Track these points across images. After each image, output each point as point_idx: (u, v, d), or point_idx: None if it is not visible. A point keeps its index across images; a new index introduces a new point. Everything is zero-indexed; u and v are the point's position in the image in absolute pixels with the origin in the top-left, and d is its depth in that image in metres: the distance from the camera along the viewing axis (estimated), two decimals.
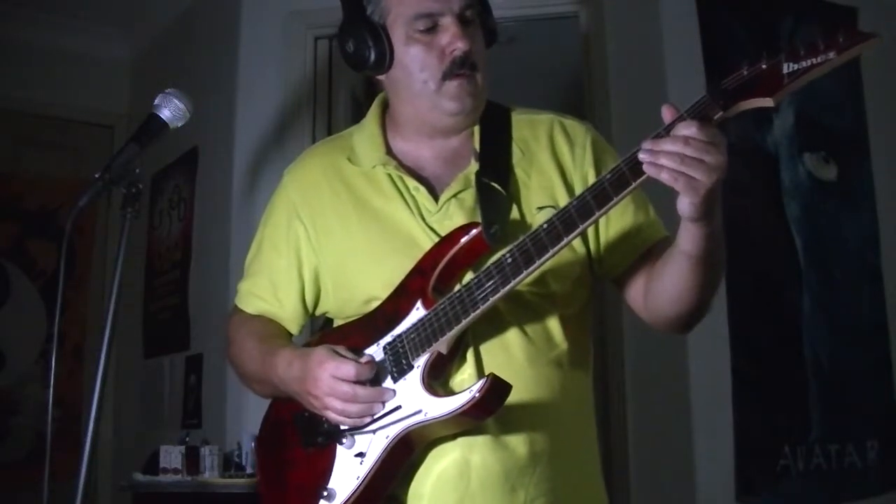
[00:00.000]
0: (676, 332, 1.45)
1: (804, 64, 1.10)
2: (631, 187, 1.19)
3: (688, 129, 1.14)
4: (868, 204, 3.32)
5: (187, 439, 3.30)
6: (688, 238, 1.25)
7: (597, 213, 1.21)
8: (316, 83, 3.54)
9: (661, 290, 1.38)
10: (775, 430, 2.95)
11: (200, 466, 3.10)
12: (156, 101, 1.42)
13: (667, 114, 1.18)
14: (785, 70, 1.12)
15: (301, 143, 3.47)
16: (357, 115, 3.77)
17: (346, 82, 3.69)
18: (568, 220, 1.23)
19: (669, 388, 2.85)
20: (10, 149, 4.43)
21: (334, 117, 3.59)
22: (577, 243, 1.42)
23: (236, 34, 3.66)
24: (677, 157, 1.13)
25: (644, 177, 1.18)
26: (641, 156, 1.16)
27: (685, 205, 1.18)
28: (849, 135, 3.35)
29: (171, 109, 1.41)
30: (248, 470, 3.08)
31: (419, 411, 1.30)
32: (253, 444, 3.07)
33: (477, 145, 1.48)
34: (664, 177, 1.15)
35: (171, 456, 3.15)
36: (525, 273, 1.26)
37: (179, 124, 1.42)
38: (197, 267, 3.82)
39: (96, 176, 1.33)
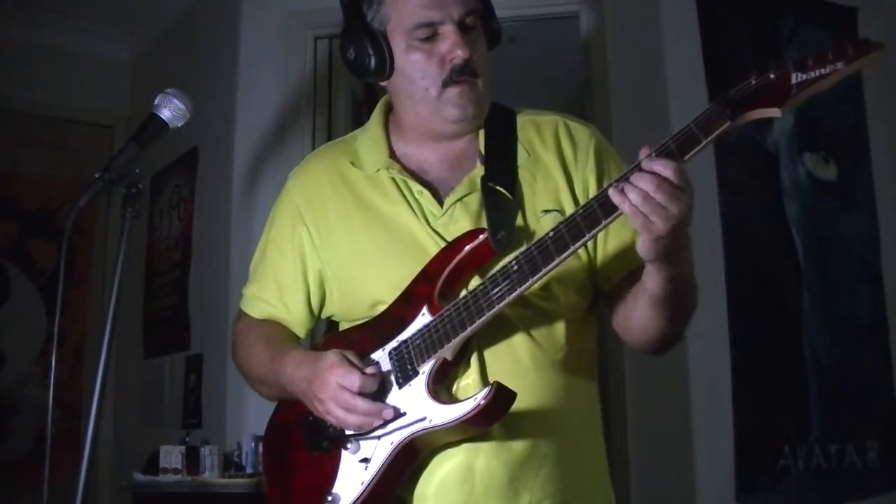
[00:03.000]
0: (649, 354, 1.47)
1: (812, 74, 1.10)
2: None
3: (665, 169, 1.15)
4: (868, 204, 3.32)
5: (187, 439, 3.31)
6: (649, 276, 1.27)
7: (603, 223, 1.21)
8: (316, 83, 3.55)
9: (632, 315, 1.40)
10: (775, 430, 2.95)
11: (200, 466, 3.10)
12: (156, 101, 1.41)
13: (643, 153, 1.19)
14: (793, 80, 1.11)
15: (301, 143, 3.47)
16: (357, 116, 3.79)
17: (346, 82, 3.69)
18: (574, 228, 1.23)
19: (669, 388, 2.85)
20: (10, 149, 4.42)
21: (334, 117, 3.59)
22: (582, 251, 1.42)
23: (236, 34, 3.65)
24: (642, 195, 1.15)
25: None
26: (617, 186, 1.17)
27: (640, 243, 1.19)
28: (849, 135, 3.35)
29: (171, 109, 1.41)
30: (248, 470, 3.08)
31: (424, 418, 1.30)
32: (253, 444, 3.07)
33: (482, 148, 1.47)
34: (626, 208, 1.16)
35: (171, 456, 3.15)
36: (531, 281, 1.25)
37: (179, 124, 1.42)
38: (197, 267, 3.82)
39: (96, 176, 1.33)
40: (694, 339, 2.85)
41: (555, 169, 1.46)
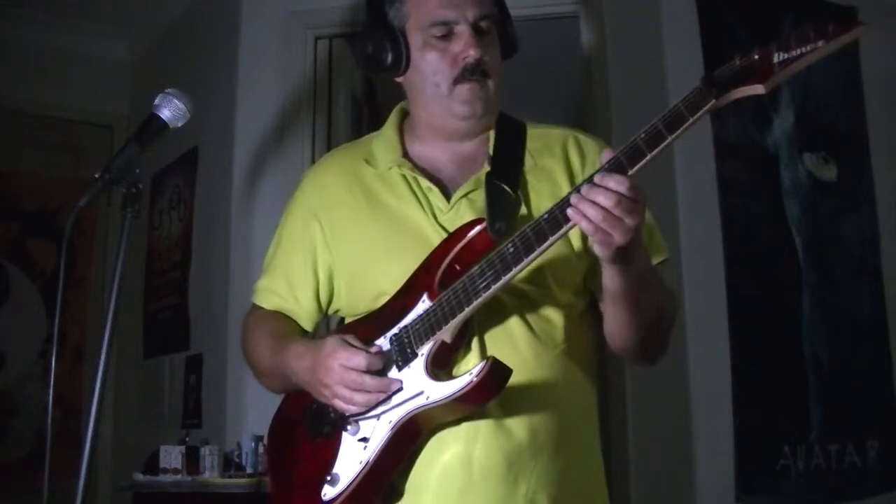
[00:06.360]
0: (640, 362, 1.54)
1: (794, 53, 1.14)
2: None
3: (620, 185, 1.19)
4: (868, 204, 3.32)
5: (187, 439, 3.30)
6: (606, 275, 1.32)
7: None
8: (316, 83, 3.54)
9: (607, 321, 1.45)
10: (775, 430, 2.95)
11: (200, 466, 3.10)
12: (156, 101, 1.42)
13: (605, 156, 1.24)
14: (775, 59, 1.15)
15: (301, 143, 3.47)
16: (357, 116, 3.78)
17: (346, 82, 3.69)
18: (568, 206, 1.25)
19: (669, 388, 2.85)
20: (10, 149, 4.43)
21: (334, 117, 3.59)
22: (579, 249, 1.46)
23: (236, 34, 3.66)
24: (601, 213, 1.19)
25: (637, 167, 1.21)
26: (572, 199, 1.22)
27: (597, 251, 1.25)
28: (849, 135, 3.35)
29: (171, 109, 1.42)
30: (248, 470, 3.08)
31: (421, 393, 1.33)
32: (253, 444, 3.08)
33: (491, 150, 1.53)
34: (584, 225, 1.21)
35: (171, 456, 3.15)
36: (526, 261, 1.28)
37: (179, 124, 1.43)
38: (197, 267, 3.82)
39: (96, 176, 1.34)
40: (694, 339, 2.86)
41: (561, 177, 1.51)
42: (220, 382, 3.40)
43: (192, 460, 3.13)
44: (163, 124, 1.42)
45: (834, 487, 3.00)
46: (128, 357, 4.08)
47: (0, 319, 4.23)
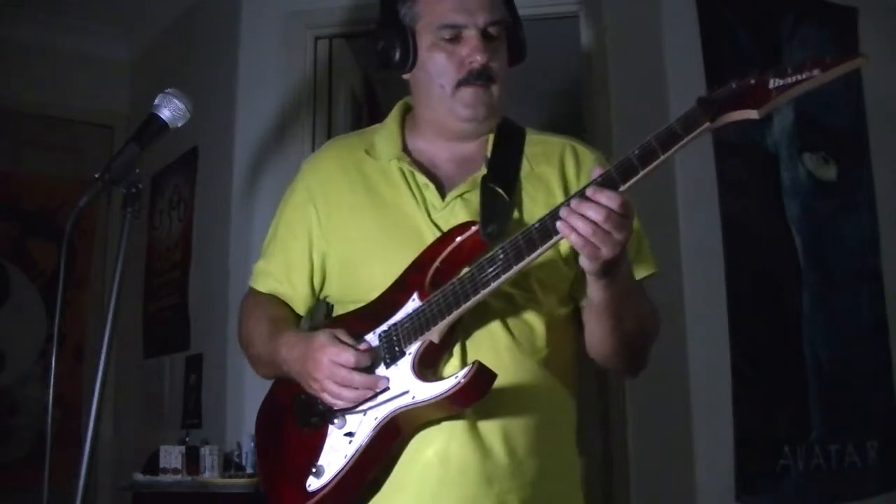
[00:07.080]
0: (623, 371, 1.56)
1: (790, 80, 1.16)
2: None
3: (612, 201, 1.21)
4: (868, 204, 3.32)
5: (187, 439, 3.31)
6: (591, 288, 1.34)
7: None
8: (316, 83, 3.55)
9: (589, 331, 1.47)
10: (775, 430, 2.95)
11: (200, 466, 3.11)
12: (156, 101, 1.43)
13: (595, 173, 1.26)
14: (771, 85, 1.17)
15: (301, 143, 3.47)
16: (357, 116, 3.78)
17: (346, 82, 3.70)
18: (558, 219, 1.26)
19: (669, 388, 2.85)
20: (10, 149, 4.43)
21: (334, 117, 3.60)
22: (569, 259, 1.47)
23: (236, 34, 3.66)
24: (591, 227, 1.21)
25: (628, 184, 1.23)
26: (562, 212, 1.24)
27: (584, 264, 1.27)
28: (849, 135, 3.35)
29: (171, 109, 1.42)
30: (248, 470, 3.08)
31: (407, 392, 1.36)
32: (253, 444, 3.07)
33: (489, 152, 1.55)
34: (573, 239, 1.23)
35: (171, 456, 3.15)
36: (516, 269, 1.31)
37: (179, 124, 1.44)
38: (197, 267, 3.82)
39: (96, 176, 1.35)
40: (694, 340, 2.86)
41: (556, 185, 1.53)
42: (220, 382, 3.40)
43: (192, 460, 3.13)
44: (163, 124, 1.42)
45: (834, 487, 3.00)
46: (128, 357, 4.08)
47: (0, 319, 4.23)
